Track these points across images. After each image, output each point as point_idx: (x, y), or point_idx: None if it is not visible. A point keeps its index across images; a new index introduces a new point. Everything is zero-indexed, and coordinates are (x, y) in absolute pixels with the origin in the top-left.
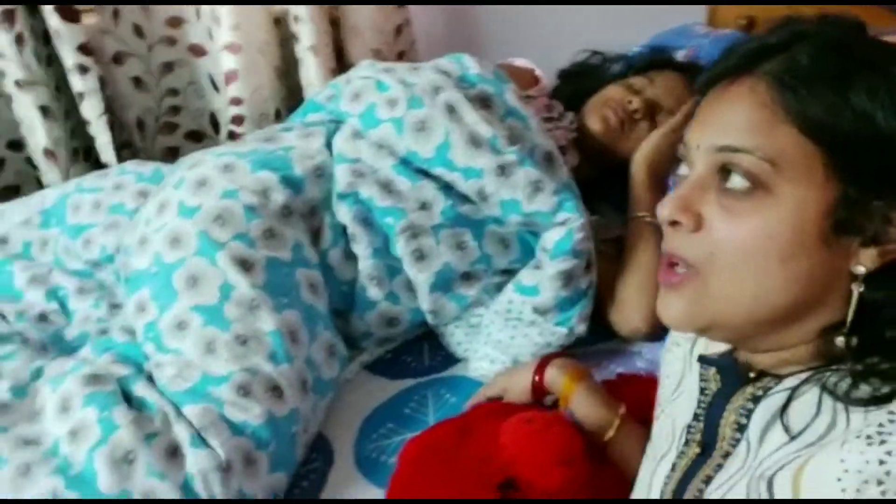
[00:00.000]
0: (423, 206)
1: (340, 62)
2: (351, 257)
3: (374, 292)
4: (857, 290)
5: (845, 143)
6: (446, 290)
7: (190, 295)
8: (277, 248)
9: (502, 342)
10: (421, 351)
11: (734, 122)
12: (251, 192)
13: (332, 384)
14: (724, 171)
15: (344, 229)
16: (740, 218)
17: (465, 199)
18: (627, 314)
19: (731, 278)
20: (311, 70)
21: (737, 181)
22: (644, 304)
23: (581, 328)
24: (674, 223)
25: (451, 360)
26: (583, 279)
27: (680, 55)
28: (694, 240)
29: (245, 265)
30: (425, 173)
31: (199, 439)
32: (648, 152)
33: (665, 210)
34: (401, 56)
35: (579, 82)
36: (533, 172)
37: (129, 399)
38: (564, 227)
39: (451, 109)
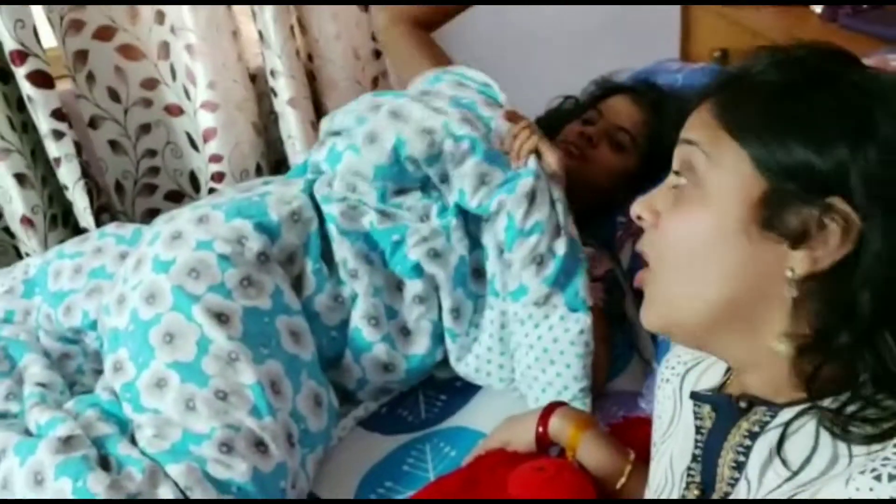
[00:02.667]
0: (422, 219)
1: (319, 116)
2: (339, 301)
3: (369, 333)
4: (788, 293)
5: (768, 146)
6: (464, 286)
7: (167, 351)
8: (255, 297)
9: (540, 359)
10: (416, 403)
11: (695, 123)
12: (225, 241)
13: (320, 437)
14: (679, 167)
15: (328, 274)
16: (680, 210)
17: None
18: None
19: (673, 277)
20: (291, 124)
21: (683, 175)
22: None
23: (591, 300)
24: (639, 218)
25: (449, 411)
26: (556, 245)
27: None
28: (653, 237)
29: (221, 318)
30: (404, 191)
31: (184, 500)
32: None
33: (634, 206)
34: (374, 83)
35: (551, 127)
36: (482, 164)
37: (105, 461)
38: (502, 216)
39: (394, 114)
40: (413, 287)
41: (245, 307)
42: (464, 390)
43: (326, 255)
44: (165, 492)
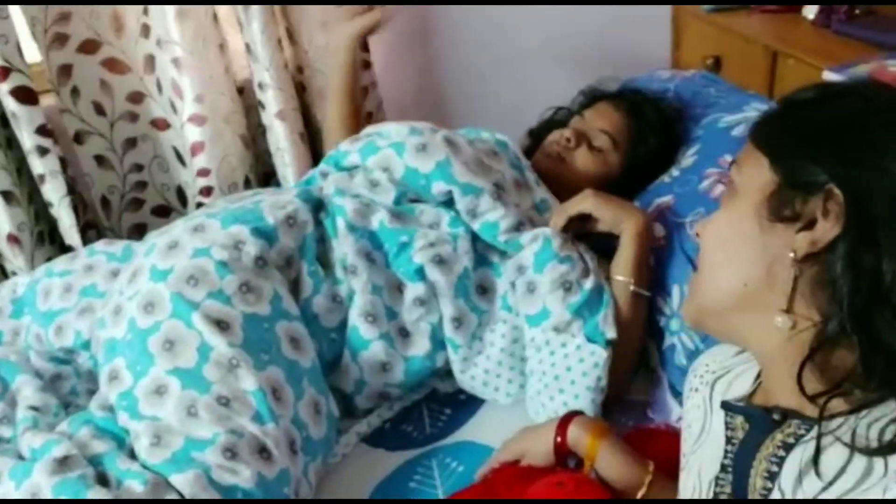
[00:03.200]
0: (432, 226)
1: (308, 127)
2: (337, 301)
3: (366, 330)
4: (790, 271)
5: (781, 146)
6: (466, 297)
7: (167, 358)
8: (255, 303)
9: (550, 386)
10: (420, 417)
11: (744, 148)
12: (222, 247)
13: (321, 445)
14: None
15: (324, 275)
16: (714, 217)
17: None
18: None
19: (706, 267)
20: (279, 136)
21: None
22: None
23: (611, 333)
24: (697, 235)
25: (454, 425)
26: (584, 281)
27: None
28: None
29: (221, 325)
30: (419, 200)
31: None
32: (642, 226)
33: (696, 227)
34: (369, 117)
35: (543, 139)
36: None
37: (104, 478)
38: (537, 240)
39: (449, 141)
40: (414, 290)
41: (245, 314)
42: (468, 404)
43: (322, 258)
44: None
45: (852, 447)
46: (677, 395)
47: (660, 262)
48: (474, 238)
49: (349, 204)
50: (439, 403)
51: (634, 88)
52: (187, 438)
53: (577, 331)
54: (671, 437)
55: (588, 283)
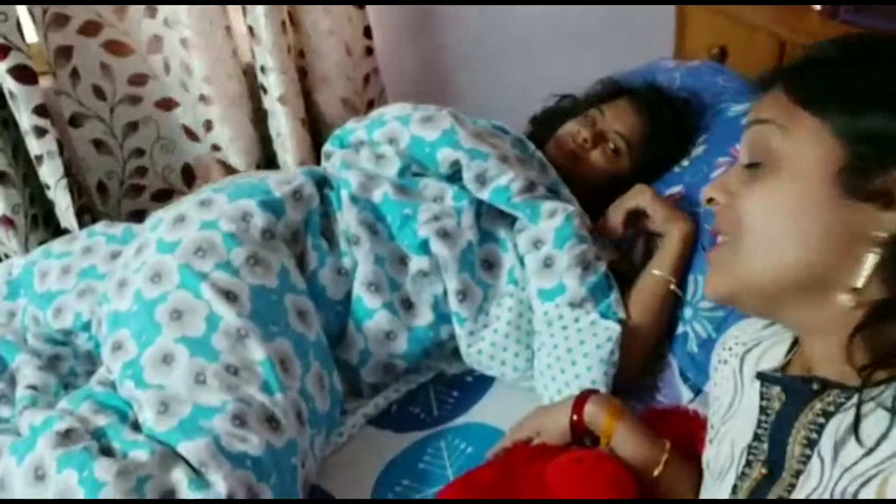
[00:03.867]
0: (436, 199)
1: (310, 112)
2: (342, 273)
3: (370, 300)
4: (873, 254)
5: (848, 114)
6: (472, 272)
7: (175, 328)
8: (262, 276)
9: (562, 359)
10: (428, 399)
11: (765, 103)
12: (230, 219)
13: (325, 419)
14: (750, 147)
15: (329, 248)
16: (758, 185)
17: (465, 189)
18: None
19: (753, 240)
20: (280, 120)
21: (756, 153)
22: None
23: (622, 314)
24: (709, 200)
25: (462, 407)
26: (599, 263)
27: None
28: (728, 213)
29: (230, 296)
30: (423, 175)
31: (198, 482)
32: (690, 231)
33: (705, 190)
34: (371, 104)
35: (549, 125)
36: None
37: (108, 450)
38: (557, 216)
39: (455, 115)
40: (418, 263)
41: (252, 285)
42: (476, 385)
43: (326, 232)
44: (178, 473)
45: (894, 411)
46: (687, 380)
47: None
48: (479, 213)
49: (354, 177)
50: (446, 386)
51: (656, 87)
52: (195, 406)
53: (592, 308)
54: (684, 417)
55: (602, 266)
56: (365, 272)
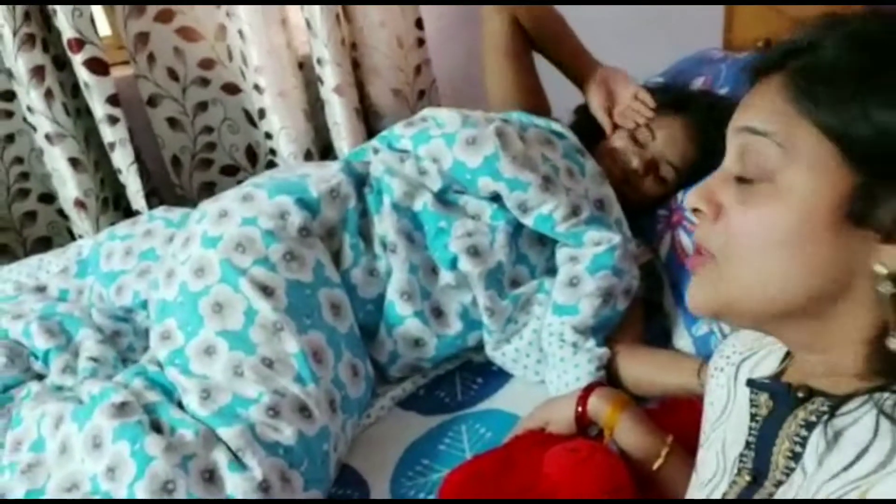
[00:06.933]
0: (474, 217)
1: (363, 103)
2: (374, 274)
3: (402, 308)
4: (886, 290)
5: (859, 141)
6: (500, 290)
7: (216, 321)
8: (298, 271)
9: (556, 367)
10: (453, 385)
11: (761, 107)
12: (269, 216)
13: (357, 404)
14: (742, 159)
15: (364, 248)
16: (752, 207)
17: (505, 208)
18: None
19: (743, 265)
20: (336, 110)
21: (750, 168)
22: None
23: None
24: (695, 210)
25: (485, 393)
26: (620, 301)
27: (698, 82)
28: (714, 229)
29: (266, 290)
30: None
31: (236, 464)
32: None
33: (690, 198)
34: (421, 95)
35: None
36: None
37: (158, 426)
38: (603, 245)
39: (500, 133)
40: (446, 277)
41: (288, 280)
42: (500, 374)
43: (363, 231)
44: (219, 454)
45: (878, 420)
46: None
47: None
48: (517, 234)
49: (398, 184)
50: (472, 372)
51: (706, 104)
52: (234, 395)
53: (591, 338)
54: (694, 411)
55: (622, 305)
56: (399, 280)
